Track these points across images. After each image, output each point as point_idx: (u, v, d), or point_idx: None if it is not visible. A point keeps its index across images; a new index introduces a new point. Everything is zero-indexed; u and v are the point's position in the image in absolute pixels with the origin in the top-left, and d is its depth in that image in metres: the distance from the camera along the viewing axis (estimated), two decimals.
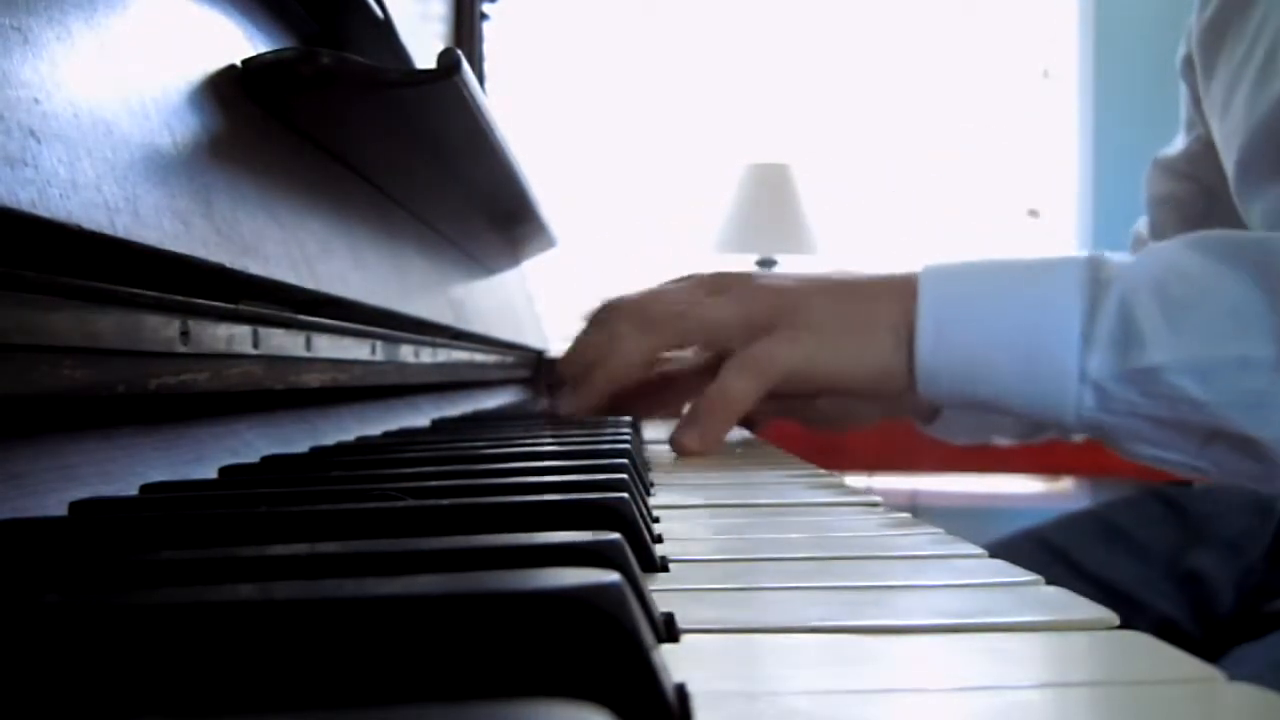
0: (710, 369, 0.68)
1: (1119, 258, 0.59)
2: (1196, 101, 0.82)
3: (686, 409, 0.65)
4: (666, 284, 0.68)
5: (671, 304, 0.66)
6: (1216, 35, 0.73)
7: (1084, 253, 0.59)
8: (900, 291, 0.61)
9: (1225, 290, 0.54)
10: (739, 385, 0.61)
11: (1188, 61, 0.81)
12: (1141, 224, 0.90)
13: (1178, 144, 0.87)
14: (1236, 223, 0.68)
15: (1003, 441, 0.87)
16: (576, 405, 0.66)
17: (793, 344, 0.61)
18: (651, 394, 0.73)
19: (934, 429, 0.85)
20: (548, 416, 0.72)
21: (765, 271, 0.69)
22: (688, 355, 0.73)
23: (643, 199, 2.56)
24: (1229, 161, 0.69)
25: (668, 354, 0.71)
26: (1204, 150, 0.80)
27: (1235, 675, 0.18)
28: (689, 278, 0.68)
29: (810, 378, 0.62)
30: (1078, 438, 0.85)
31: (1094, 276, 0.57)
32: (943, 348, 0.60)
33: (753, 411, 0.76)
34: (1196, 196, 0.83)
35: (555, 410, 0.69)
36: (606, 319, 0.66)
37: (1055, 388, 0.57)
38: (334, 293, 0.52)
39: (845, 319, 0.62)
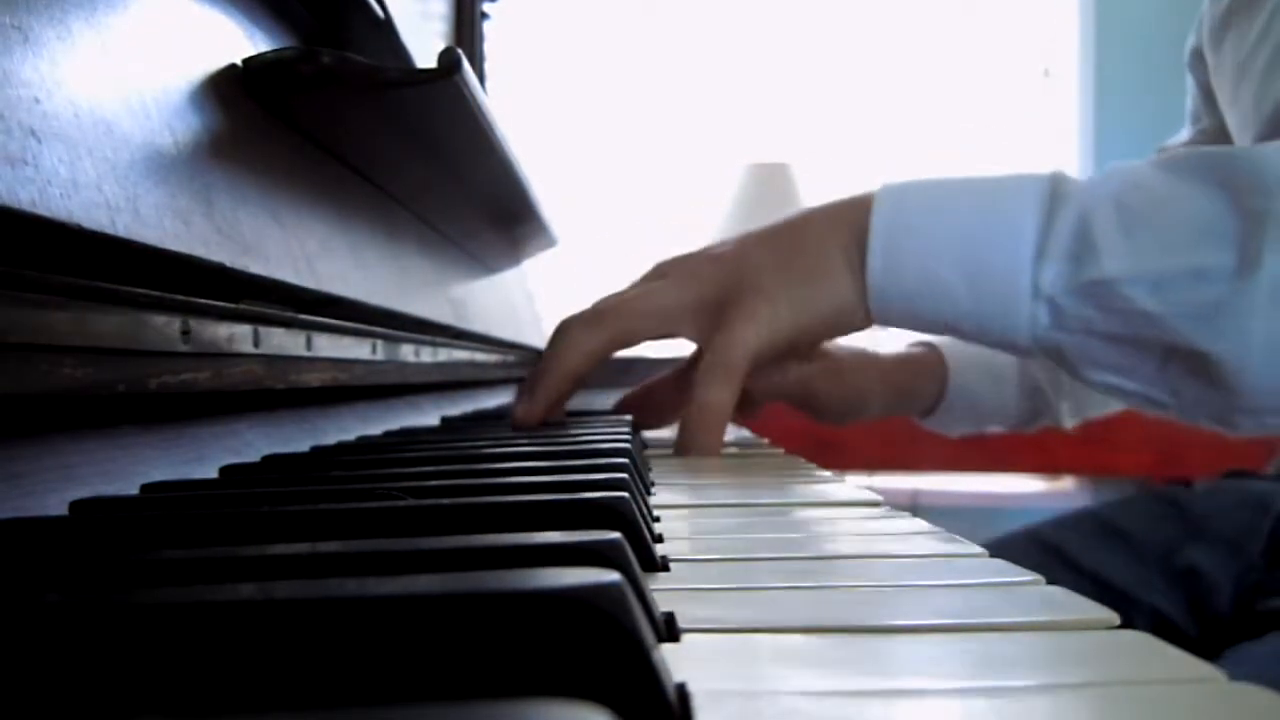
0: (688, 372, 0.67)
1: (1083, 178, 0.57)
2: (1205, 94, 0.82)
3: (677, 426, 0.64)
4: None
5: (617, 297, 0.64)
6: (1229, 27, 0.73)
7: (1048, 170, 0.57)
8: (851, 216, 0.59)
9: (1186, 201, 0.52)
10: (715, 393, 0.60)
11: (1196, 54, 0.81)
12: None
13: (1182, 136, 0.87)
14: None
15: (997, 429, 0.87)
16: (529, 409, 0.64)
17: (749, 321, 0.59)
18: (641, 410, 0.73)
19: (931, 422, 0.85)
20: (506, 418, 0.70)
21: (712, 243, 0.67)
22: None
23: (643, 199, 2.56)
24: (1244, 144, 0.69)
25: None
26: (1207, 142, 0.80)
27: (1235, 674, 0.18)
28: (646, 273, 0.67)
29: (777, 344, 0.60)
30: (1070, 424, 0.86)
31: (1054, 191, 0.55)
32: (893, 266, 0.57)
33: (752, 398, 0.75)
34: None
35: (512, 418, 0.67)
36: (561, 326, 0.65)
37: (1008, 305, 0.55)
38: (335, 292, 0.52)
39: (796, 268, 0.60)
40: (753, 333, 0.59)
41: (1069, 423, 0.86)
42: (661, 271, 0.65)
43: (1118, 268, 0.52)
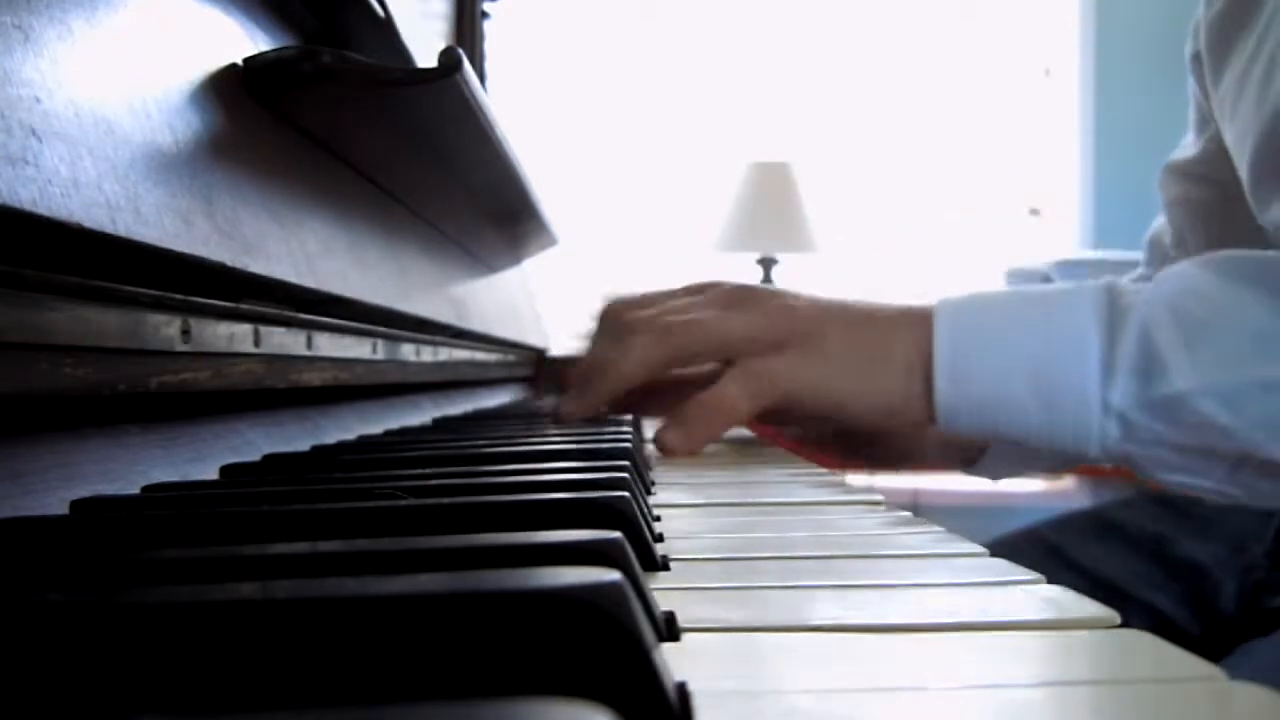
0: (715, 375, 0.68)
1: (1134, 284, 0.58)
2: (1207, 97, 0.81)
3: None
4: (679, 290, 0.67)
5: (687, 317, 0.64)
6: (1224, 32, 0.72)
7: (1101, 280, 0.59)
8: (915, 324, 0.60)
9: (1244, 311, 0.54)
10: (736, 394, 0.60)
11: (1196, 58, 0.81)
12: (1158, 226, 0.89)
13: (1189, 145, 0.86)
14: (1255, 222, 0.67)
15: (1042, 472, 0.86)
16: (578, 408, 0.66)
17: (799, 365, 0.60)
18: (656, 396, 0.73)
19: (976, 471, 0.84)
20: (547, 416, 0.71)
21: (782, 290, 0.67)
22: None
23: (643, 198, 2.56)
24: (1241, 162, 0.68)
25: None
26: (1219, 150, 0.79)
27: (1245, 672, 0.18)
28: (704, 286, 0.67)
29: (815, 401, 0.61)
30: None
31: (1111, 304, 0.57)
32: (960, 381, 0.59)
33: (789, 435, 0.76)
34: (1214, 198, 0.83)
35: (556, 412, 0.68)
36: (620, 328, 0.65)
37: (1078, 420, 0.56)
38: (335, 291, 0.52)
39: (857, 348, 0.61)
40: (802, 374, 0.60)
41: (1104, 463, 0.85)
42: (734, 299, 0.65)
43: (1187, 384, 0.53)
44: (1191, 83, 0.83)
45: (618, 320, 0.65)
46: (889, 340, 0.61)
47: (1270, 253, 0.57)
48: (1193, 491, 0.59)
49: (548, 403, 0.70)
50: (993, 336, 0.59)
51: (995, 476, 0.84)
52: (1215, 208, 0.81)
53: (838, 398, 0.61)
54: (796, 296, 0.66)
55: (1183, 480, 0.57)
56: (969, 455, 0.82)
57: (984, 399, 0.58)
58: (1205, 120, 0.84)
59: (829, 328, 0.61)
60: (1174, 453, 0.56)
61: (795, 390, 0.60)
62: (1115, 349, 0.55)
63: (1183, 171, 0.86)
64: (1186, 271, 0.57)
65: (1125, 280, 0.59)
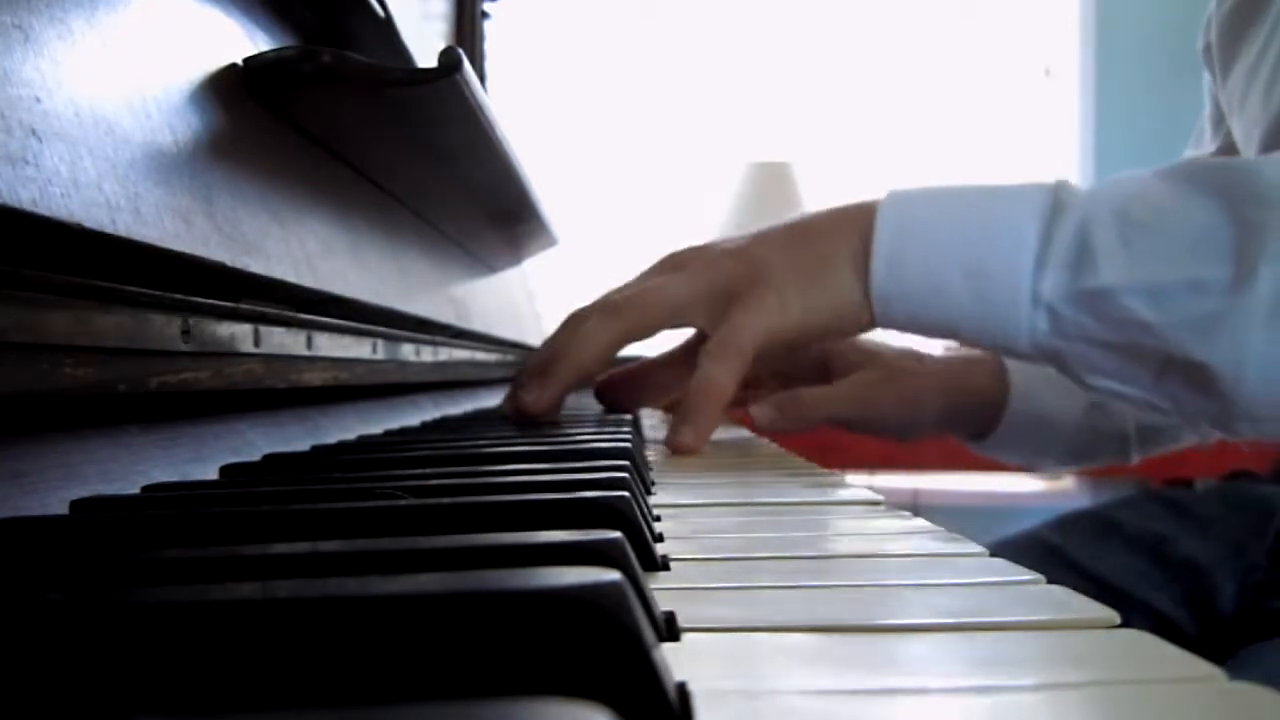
0: (688, 352, 0.68)
1: (1087, 187, 0.58)
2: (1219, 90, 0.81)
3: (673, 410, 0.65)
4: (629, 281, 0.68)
5: (632, 289, 0.65)
6: (1234, 28, 0.72)
7: (1053, 179, 0.58)
8: (858, 218, 0.60)
9: (1185, 212, 0.53)
10: (719, 370, 0.60)
11: (1208, 50, 0.80)
12: None
13: (1207, 141, 0.86)
14: None
15: (1054, 467, 0.86)
16: (537, 396, 0.64)
17: (759, 309, 0.60)
18: (634, 386, 0.73)
19: (984, 447, 0.83)
20: (505, 414, 0.69)
21: (721, 239, 0.67)
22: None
23: (643, 198, 2.56)
24: (1249, 155, 0.68)
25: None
26: (1231, 148, 0.79)
27: (1248, 676, 0.18)
28: (650, 266, 0.68)
29: (784, 335, 0.61)
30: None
31: (1055, 200, 0.56)
32: (896, 271, 0.58)
33: (794, 430, 0.75)
34: None
35: (514, 403, 0.66)
36: (572, 317, 0.65)
37: (1008, 311, 0.56)
38: (335, 291, 0.52)
39: (804, 264, 0.61)
40: (760, 319, 0.60)
41: (1135, 456, 0.85)
42: (675, 263, 0.66)
43: (1115, 278, 0.53)
44: (1207, 78, 0.82)
45: (573, 314, 0.65)
46: (830, 245, 0.61)
47: (1230, 159, 0.57)
48: (1123, 401, 0.58)
49: (504, 402, 0.68)
50: (932, 225, 0.58)
51: (999, 456, 0.83)
52: None
53: (801, 320, 0.61)
54: (732, 239, 0.66)
55: (1110, 385, 0.57)
56: (979, 429, 0.82)
57: (919, 287, 0.58)
58: (1220, 115, 0.83)
59: (770, 257, 0.61)
60: (1101, 351, 0.55)
61: (765, 335, 0.61)
62: (1050, 241, 0.55)
63: None
64: (1138, 175, 0.57)
65: (1077, 186, 0.58)
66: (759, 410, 0.73)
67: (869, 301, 0.60)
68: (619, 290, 0.66)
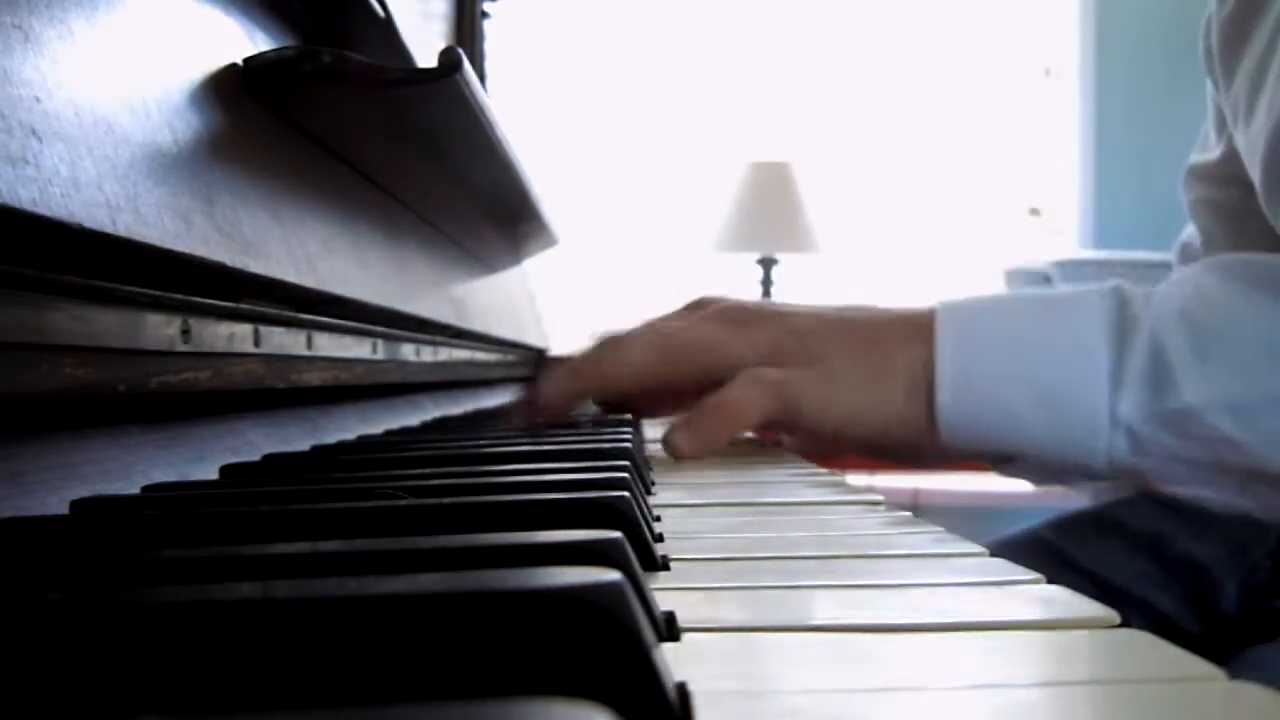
0: (712, 381, 0.67)
1: (1142, 290, 0.57)
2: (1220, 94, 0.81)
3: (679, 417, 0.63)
4: (676, 311, 0.66)
5: (687, 334, 0.63)
6: (1235, 33, 0.72)
7: (1107, 284, 0.57)
8: (916, 334, 0.59)
9: (1255, 320, 0.52)
10: (747, 396, 0.59)
11: (1209, 55, 0.80)
12: (1188, 232, 0.88)
13: (1212, 147, 0.86)
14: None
15: (1085, 483, 0.85)
16: (556, 394, 0.62)
17: (809, 381, 0.59)
18: (651, 397, 0.72)
19: (1008, 471, 0.82)
20: (516, 411, 0.67)
21: (781, 306, 0.65)
22: None
23: (643, 198, 2.56)
24: (1254, 167, 0.68)
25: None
26: (1236, 156, 0.78)
27: (1252, 677, 0.18)
28: (700, 302, 0.66)
29: (820, 417, 0.60)
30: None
31: (1120, 312, 0.55)
32: (963, 394, 0.57)
33: (815, 449, 0.73)
34: (1239, 198, 0.82)
35: (531, 393, 0.64)
36: (618, 337, 0.63)
37: (1085, 433, 0.55)
38: (335, 291, 0.52)
39: (862, 366, 0.60)
40: (809, 389, 0.59)
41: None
42: (734, 318, 0.63)
43: (1197, 396, 0.52)
44: (1209, 84, 0.82)
45: (614, 337, 0.63)
46: (891, 355, 0.59)
47: (1275, 256, 0.56)
48: (1203, 504, 0.58)
49: (524, 391, 0.66)
50: (996, 346, 0.57)
51: (1033, 477, 0.82)
52: (1242, 208, 0.80)
53: (842, 414, 0.59)
54: (796, 313, 0.64)
55: (1193, 493, 0.56)
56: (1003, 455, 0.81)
57: (987, 412, 0.57)
58: (1223, 121, 0.83)
59: (831, 345, 0.60)
60: (1184, 467, 0.54)
61: (802, 404, 0.59)
62: (1124, 360, 0.54)
63: (1205, 174, 0.85)
64: (1197, 277, 0.56)
65: (1134, 288, 0.57)
66: (786, 437, 0.73)
67: (930, 422, 0.58)
68: (669, 329, 0.63)
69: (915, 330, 0.60)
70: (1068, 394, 0.55)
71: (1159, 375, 0.53)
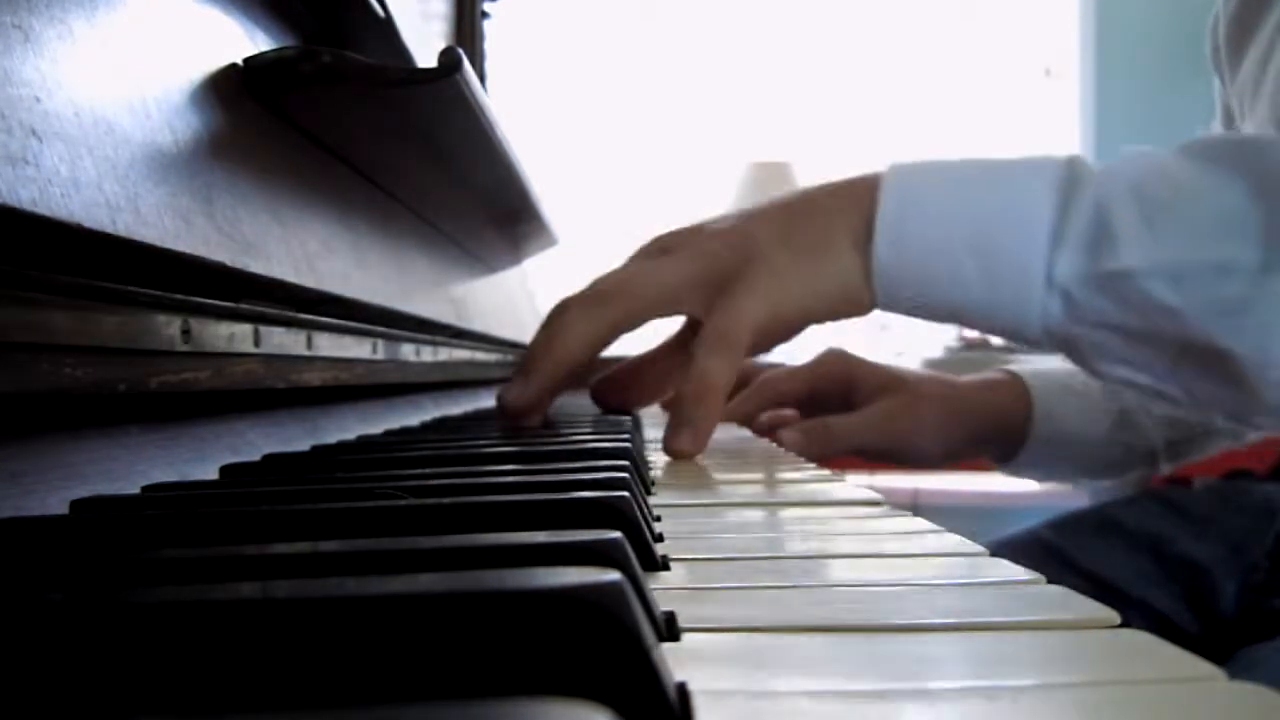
0: (681, 343, 0.65)
1: (1104, 164, 0.55)
2: (1226, 90, 0.81)
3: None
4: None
5: (618, 275, 0.61)
6: (1242, 27, 0.72)
7: (1065, 155, 0.55)
8: (859, 195, 0.57)
9: (1211, 192, 0.50)
10: (715, 364, 0.57)
11: (1217, 53, 0.80)
12: None
13: (1215, 129, 0.86)
14: None
15: (1087, 483, 0.84)
16: (521, 394, 0.60)
17: (754, 294, 0.57)
18: (631, 385, 0.70)
19: (1012, 468, 0.81)
20: (499, 415, 0.65)
21: (709, 220, 0.63)
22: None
23: (643, 197, 2.56)
24: None
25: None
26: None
27: (1250, 676, 0.18)
28: (636, 251, 0.64)
29: (782, 321, 0.58)
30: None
31: (1070, 176, 0.53)
32: (901, 248, 0.55)
33: (821, 444, 0.73)
34: None
35: (501, 402, 0.61)
36: (555, 308, 0.61)
37: (1019, 293, 0.53)
38: (335, 291, 0.52)
39: (802, 245, 0.57)
40: (756, 304, 0.57)
41: (1165, 467, 0.83)
42: (662, 246, 0.62)
43: (1137, 259, 0.50)
44: (1216, 84, 0.82)
45: (558, 306, 0.61)
46: (829, 223, 0.57)
47: (1245, 134, 0.54)
48: (1135, 390, 0.56)
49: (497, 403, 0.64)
50: (940, 200, 0.55)
51: (1029, 475, 0.81)
52: None
53: (797, 306, 0.57)
54: (715, 220, 0.62)
55: (1124, 373, 0.54)
56: (1005, 452, 0.80)
57: (924, 267, 0.55)
58: (1230, 117, 0.83)
59: (765, 237, 0.58)
60: (1117, 337, 0.52)
61: (760, 321, 0.57)
62: (1066, 220, 0.52)
63: None
64: (1157, 151, 0.54)
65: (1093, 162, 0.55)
66: (787, 435, 0.72)
67: (871, 282, 0.57)
68: (604, 278, 0.62)
69: (857, 191, 0.58)
70: (1006, 251, 0.53)
71: (1100, 237, 0.51)
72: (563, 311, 0.60)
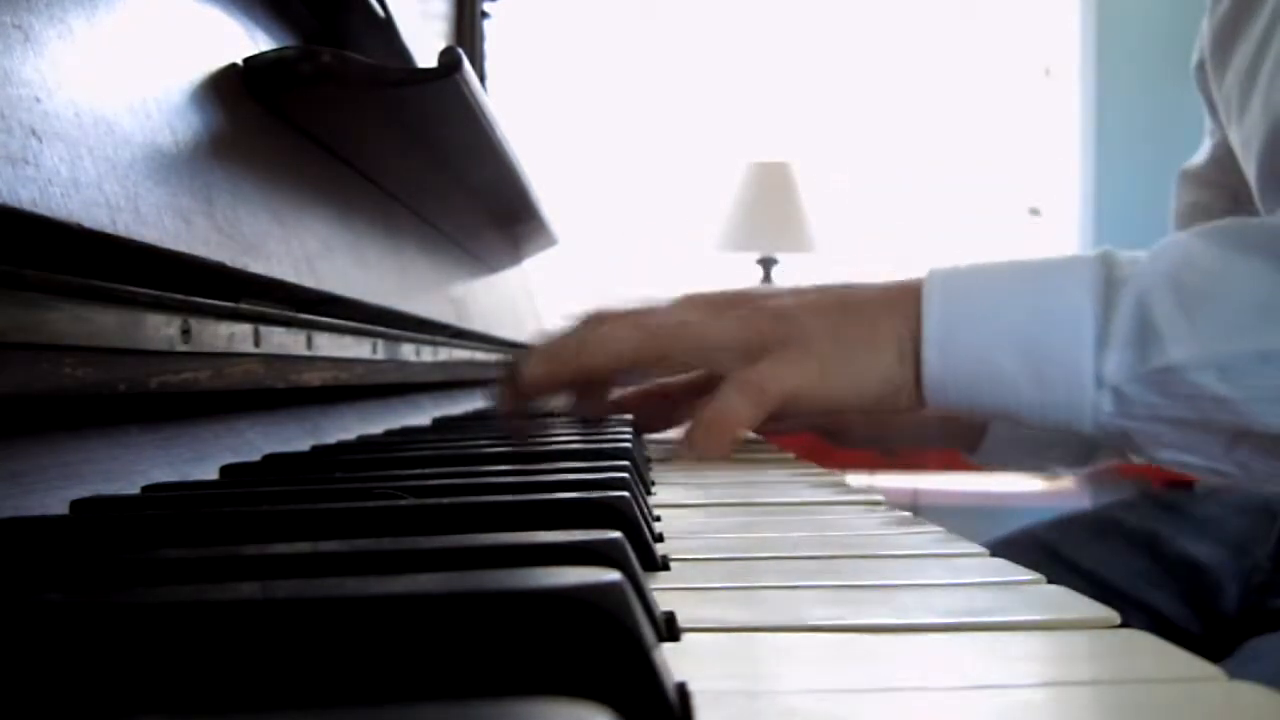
0: (707, 384, 0.66)
1: (1130, 255, 0.56)
2: (1212, 108, 0.81)
3: (684, 427, 0.63)
4: (662, 301, 0.65)
5: (669, 316, 0.62)
6: (1229, 35, 0.72)
7: (1095, 250, 0.57)
8: (904, 301, 0.59)
9: (1243, 280, 0.52)
10: (738, 405, 0.59)
11: (1201, 68, 0.81)
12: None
13: (1203, 152, 0.86)
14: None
15: (1060, 470, 0.85)
16: (538, 371, 0.61)
17: (793, 365, 0.59)
18: (647, 408, 0.72)
19: (979, 458, 0.82)
20: (498, 397, 0.65)
21: (764, 288, 0.66)
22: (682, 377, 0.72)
23: (644, 197, 2.56)
24: (1249, 164, 0.68)
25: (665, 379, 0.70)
26: (1227, 154, 0.79)
27: (1251, 670, 0.18)
28: (685, 297, 0.65)
29: (813, 399, 0.60)
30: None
31: (1107, 274, 0.55)
32: (949, 354, 0.57)
33: (775, 430, 0.75)
34: (1224, 200, 0.82)
35: (511, 376, 0.62)
36: (598, 318, 0.63)
37: (1070, 393, 0.55)
38: (335, 291, 0.52)
39: (847, 338, 0.59)
40: (792, 375, 0.59)
41: (1137, 459, 0.84)
42: (715, 304, 0.63)
43: (1183, 355, 0.52)
44: (1199, 93, 0.83)
45: (597, 313, 0.63)
46: (875, 324, 0.59)
47: (1265, 219, 0.55)
48: (1189, 472, 0.57)
49: (499, 393, 0.64)
50: (983, 306, 0.57)
51: (999, 464, 0.83)
52: (1226, 210, 0.80)
53: (832, 392, 0.59)
54: (773, 293, 0.64)
55: (1179, 458, 0.56)
56: (971, 440, 0.81)
57: (973, 372, 0.57)
58: (1214, 129, 0.84)
59: (815, 322, 0.60)
60: (1169, 428, 0.54)
61: (794, 390, 0.59)
62: (1110, 320, 0.54)
63: (1195, 177, 0.85)
64: (1183, 240, 0.55)
65: (1123, 253, 0.56)
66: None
67: (918, 387, 0.58)
68: (651, 311, 0.63)
69: (901, 296, 0.60)
70: (1052, 354, 0.55)
71: (1144, 335, 0.53)
72: (601, 322, 0.62)
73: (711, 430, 0.59)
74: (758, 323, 0.61)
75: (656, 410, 0.72)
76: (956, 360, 0.57)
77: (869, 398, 0.60)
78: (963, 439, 0.82)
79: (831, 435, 0.79)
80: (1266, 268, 0.52)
